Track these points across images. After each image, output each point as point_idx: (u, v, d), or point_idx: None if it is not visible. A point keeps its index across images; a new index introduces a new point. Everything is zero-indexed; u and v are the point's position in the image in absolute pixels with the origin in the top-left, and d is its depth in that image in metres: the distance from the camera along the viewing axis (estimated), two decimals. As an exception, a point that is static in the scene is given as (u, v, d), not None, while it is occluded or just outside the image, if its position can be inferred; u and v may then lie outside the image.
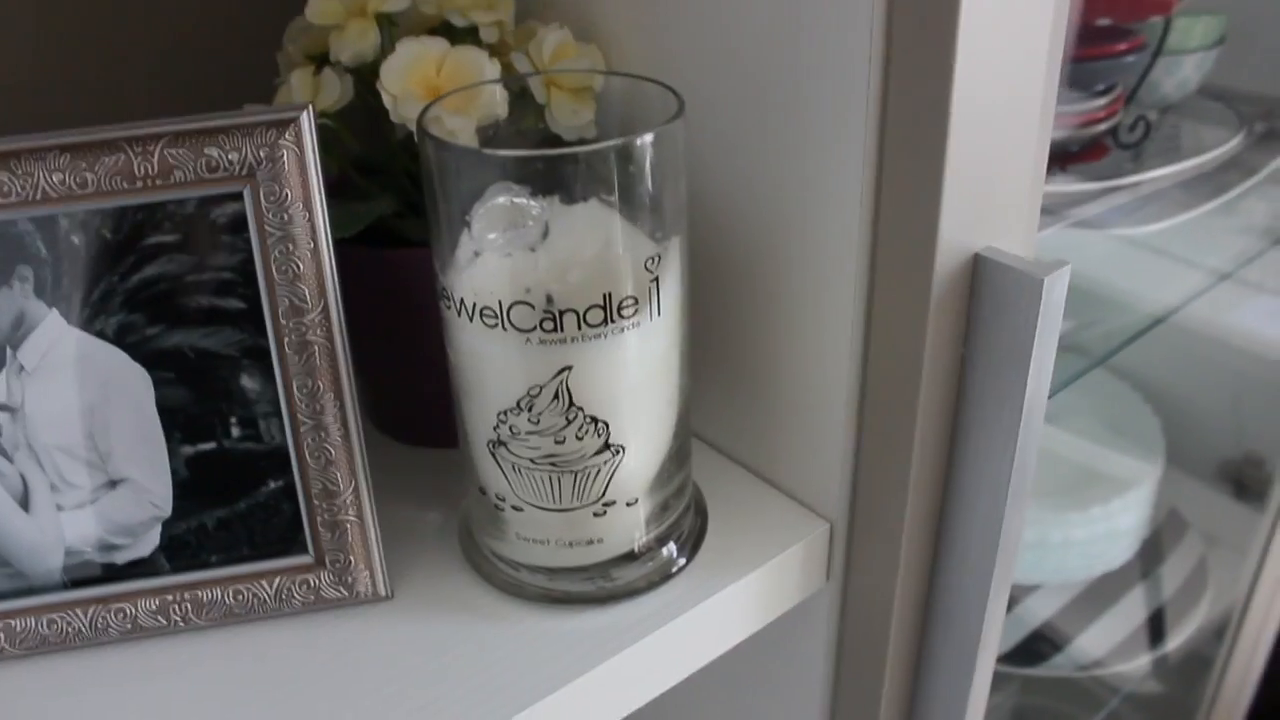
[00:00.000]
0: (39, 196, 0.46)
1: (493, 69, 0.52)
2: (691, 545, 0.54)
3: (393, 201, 0.56)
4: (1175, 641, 1.01)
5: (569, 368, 0.45)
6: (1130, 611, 1.03)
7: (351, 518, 0.50)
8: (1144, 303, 0.85)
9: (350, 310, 0.49)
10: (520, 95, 0.52)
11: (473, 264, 0.46)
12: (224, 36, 0.72)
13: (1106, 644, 1.00)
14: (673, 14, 0.52)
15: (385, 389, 0.62)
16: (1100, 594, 1.02)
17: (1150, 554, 1.06)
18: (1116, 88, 0.80)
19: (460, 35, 0.55)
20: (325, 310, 0.48)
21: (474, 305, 0.45)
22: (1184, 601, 1.05)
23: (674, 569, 0.52)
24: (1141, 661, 1.00)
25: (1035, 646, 1.01)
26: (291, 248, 0.47)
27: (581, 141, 0.53)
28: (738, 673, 0.69)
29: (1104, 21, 0.75)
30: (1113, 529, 0.98)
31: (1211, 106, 0.94)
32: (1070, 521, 0.95)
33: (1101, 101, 0.79)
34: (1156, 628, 1.03)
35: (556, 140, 0.53)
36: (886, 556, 0.54)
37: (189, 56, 0.71)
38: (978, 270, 0.48)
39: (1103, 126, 0.81)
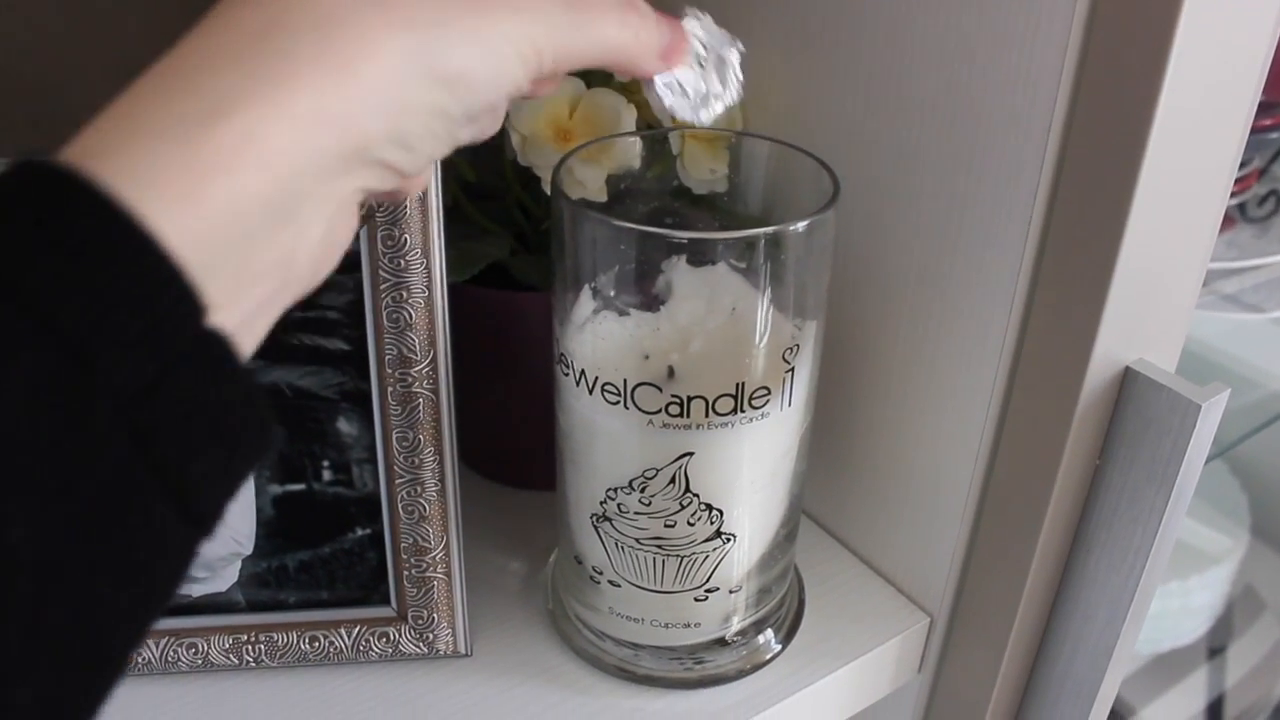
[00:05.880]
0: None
1: (629, 116, 0.49)
2: (787, 631, 0.51)
3: (507, 240, 0.53)
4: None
5: (690, 454, 0.42)
6: (1197, 689, 1.00)
7: (439, 575, 0.48)
8: (1270, 381, 0.82)
9: (452, 344, 0.46)
10: (652, 142, 0.50)
11: (592, 323, 0.43)
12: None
13: (1173, 720, 0.97)
14: (822, 75, 0.49)
15: (478, 425, 0.60)
16: (1166, 668, 0.99)
17: (1222, 631, 1.02)
18: (1253, 161, 0.76)
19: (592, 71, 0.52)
20: (434, 362, 0.45)
21: (595, 379, 0.42)
22: (1256, 684, 1.01)
23: (767, 656, 0.50)
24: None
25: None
26: (405, 295, 0.44)
27: (714, 195, 0.50)
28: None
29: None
30: (1186, 605, 0.95)
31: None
32: (1144, 593, 0.91)
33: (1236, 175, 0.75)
34: (1221, 708, 1.00)
35: (685, 189, 0.51)
36: (987, 658, 0.52)
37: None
38: (1127, 384, 0.45)
39: (1233, 201, 0.77)
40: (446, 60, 0.27)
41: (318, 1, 0.25)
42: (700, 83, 0.37)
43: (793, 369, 0.42)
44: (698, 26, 0.37)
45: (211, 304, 0.23)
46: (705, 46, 0.37)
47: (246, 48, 0.25)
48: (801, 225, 0.40)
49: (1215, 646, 1.03)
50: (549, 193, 0.44)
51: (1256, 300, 0.79)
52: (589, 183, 0.46)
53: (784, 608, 0.51)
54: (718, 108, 0.38)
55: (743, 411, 0.42)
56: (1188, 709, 1.00)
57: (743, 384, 0.41)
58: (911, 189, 0.46)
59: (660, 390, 0.41)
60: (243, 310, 0.25)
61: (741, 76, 0.38)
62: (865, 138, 0.48)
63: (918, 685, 0.56)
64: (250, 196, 0.24)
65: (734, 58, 0.38)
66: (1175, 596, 0.94)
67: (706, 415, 0.41)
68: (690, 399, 0.41)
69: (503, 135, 0.52)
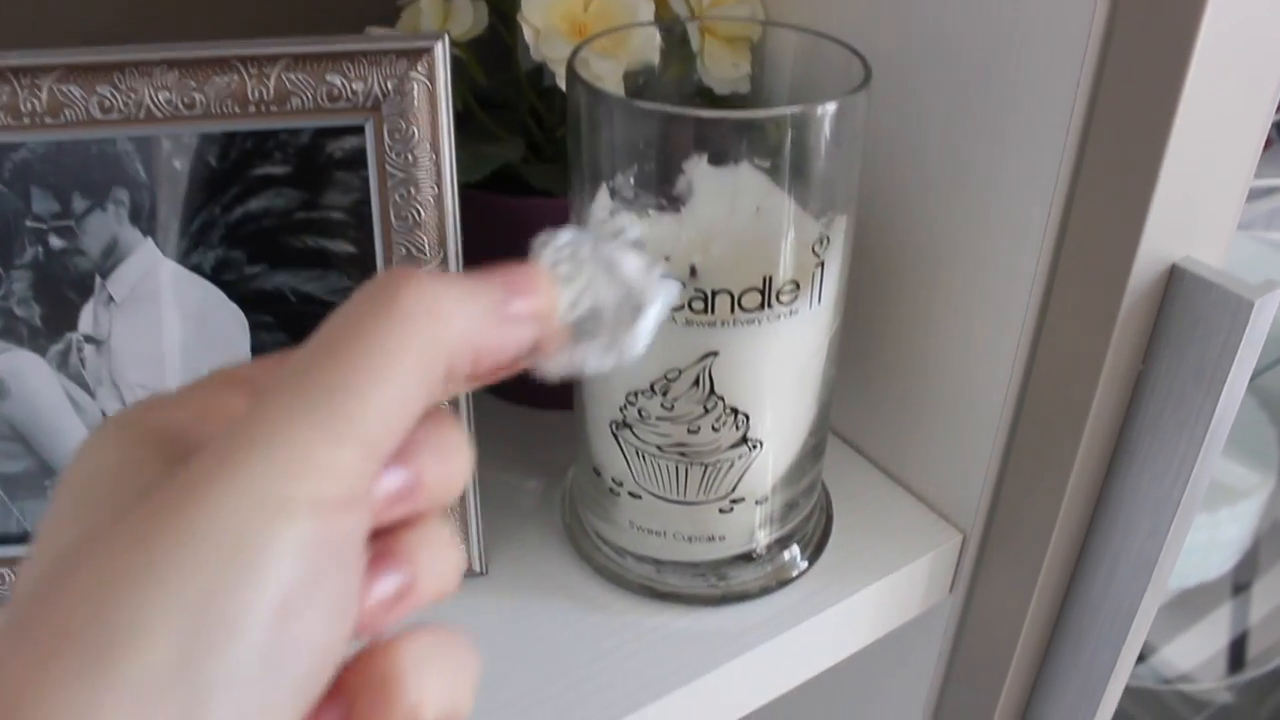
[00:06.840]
0: (142, 115, 0.41)
1: (647, 9, 0.46)
2: (814, 548, 0.49)
3: (520, 145, 0.51)
4: (1268, 663, 0.96)
5: (714, 353, 0.40)
6: (1220, 626, 0.98)
7: (453, 489, 0.46)
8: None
9: (464, 256, 0.44)
10: (671, 39, 0.47)
11: (610, 223, 0.41)
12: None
13: (1194, 657, 0.96)
14: (848, -39, 0.47)
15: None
16: (1190, 605, 0.98)
17: (1247, 568, 1.00)
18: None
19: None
20: (445, 263, 0.43)
21: (614, 275, 0.40)
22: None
23: (793, 573, 0.48)
24: (1227, 680, 0.96)
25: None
26: (413, 191, 0.42)
27: (736, 95, 0.48)
28: (840, 678, 0.64)
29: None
30: (1215, 539, 0.93)
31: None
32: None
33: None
34: (1245, 646, 0.98)
35: (706, 90, 0.48)
36: (1023, 575, 0.50)
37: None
38: (1173, 282, 0.42)
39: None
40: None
41: None
42: (597, 296, 0.27)
43: (822, 263, 0.40)
44: (550, 240, 0.27)
45: None
46: (572, 256, 0.27)
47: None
48: (831, 106, 0.37)
49: (1240, 583, 1.02)
50: (563, 88, 0.42)
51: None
52: (606, 76, 0.44)
53: (811, 523, 0.49)
54: (646, 321, 0.27)
55: (770, 308, 0.39)
56: (1210, 646, 0.98)
57: (770, 278, 0.39)
58: (947, 77, 0.44)
59: (683, 285, 0.39)
60: None
61: (652, 265, 0.27)
62: (897, 24, 0.45)
63: (949, 607, 0.54)
64: None
65: (626, 255, 0.27)
66: (1204, 529, 0.92)
67: (732, 311, 0.39)
68: (715, 293, 0.39)
69: (516, 44, 0.50)
